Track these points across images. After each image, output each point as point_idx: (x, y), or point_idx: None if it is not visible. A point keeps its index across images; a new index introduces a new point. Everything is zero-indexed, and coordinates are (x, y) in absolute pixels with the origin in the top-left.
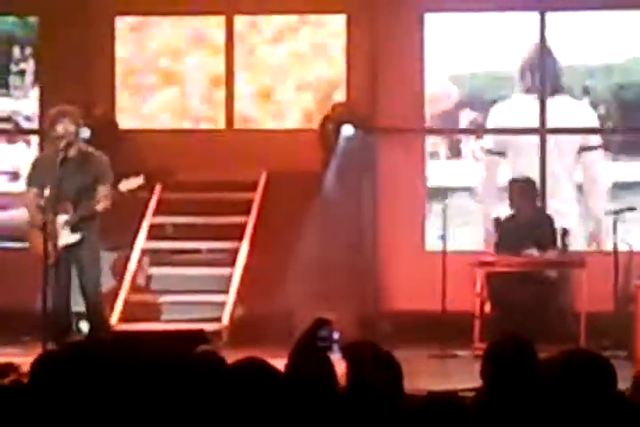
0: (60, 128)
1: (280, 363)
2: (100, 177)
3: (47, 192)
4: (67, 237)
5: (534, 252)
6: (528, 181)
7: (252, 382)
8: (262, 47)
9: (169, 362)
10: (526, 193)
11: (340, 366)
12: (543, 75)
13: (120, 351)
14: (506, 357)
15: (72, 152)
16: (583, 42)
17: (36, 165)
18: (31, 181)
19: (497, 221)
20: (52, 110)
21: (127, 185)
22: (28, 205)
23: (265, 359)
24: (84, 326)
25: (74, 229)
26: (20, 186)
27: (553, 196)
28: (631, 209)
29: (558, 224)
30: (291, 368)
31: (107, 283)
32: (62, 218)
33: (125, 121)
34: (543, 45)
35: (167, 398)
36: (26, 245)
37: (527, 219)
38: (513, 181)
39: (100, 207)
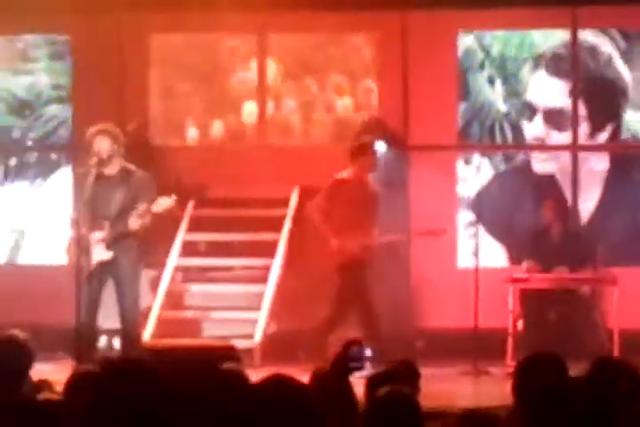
0: (99, 145)
1: None
2: (140, 195)
3: (82, 208)
4: (100, 254)
5: (565, 269)
6: (560, 198)
7: (276, 399)
8: (293, 64)
9: (192, 378)
10: (558, 210)
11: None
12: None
13: (152, 368)
14: (536, 373)
15: (112, 170)
16: None
17: (86, 183)
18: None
19: (530, 236)
20: (92, 128)
21: (158, 206)
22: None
23: (292, 376)
24: (118, 343)
25: (109, 247)
26: None
27: None
28: None
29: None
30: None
31: (146, 300)
32: (97, 235)
33: (158, 137)
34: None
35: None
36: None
37: (559, 236)
38: (545, 198)
39: (134, 225)
